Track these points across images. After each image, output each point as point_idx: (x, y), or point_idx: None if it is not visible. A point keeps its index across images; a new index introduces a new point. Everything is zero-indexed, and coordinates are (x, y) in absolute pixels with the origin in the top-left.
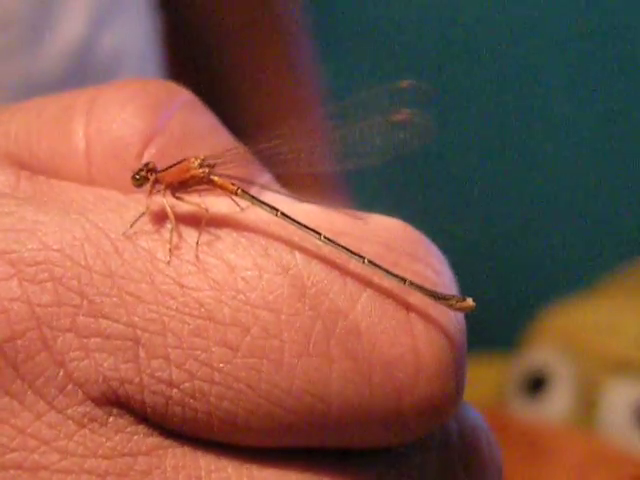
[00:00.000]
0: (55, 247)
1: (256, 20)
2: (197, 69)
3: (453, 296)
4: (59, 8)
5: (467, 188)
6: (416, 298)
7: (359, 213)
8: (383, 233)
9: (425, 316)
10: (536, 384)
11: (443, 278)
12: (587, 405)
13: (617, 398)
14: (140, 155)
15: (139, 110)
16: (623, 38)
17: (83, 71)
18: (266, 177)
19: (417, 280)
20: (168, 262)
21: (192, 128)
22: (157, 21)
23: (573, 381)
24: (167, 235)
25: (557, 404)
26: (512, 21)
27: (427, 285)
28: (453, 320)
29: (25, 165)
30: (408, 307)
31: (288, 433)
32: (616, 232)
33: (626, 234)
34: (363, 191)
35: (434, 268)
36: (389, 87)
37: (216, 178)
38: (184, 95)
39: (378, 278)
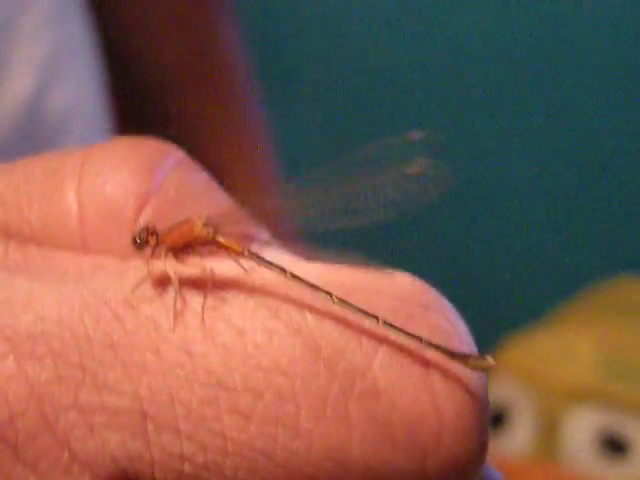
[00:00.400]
0: (53, 319)
1: (202, 69)
2: (144, 121)
3: (471, 355)
4: (2, 68)
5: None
6: (433, 353)
7: (365, 268)
8: (393, 286)
9: (444, 371)
10: (496, 419)
11: (458, 327)
12: (549, 436)
13: (578, 427)
14: (136, 218)
15: (132, 171)
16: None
17: (31, 132)
18: (265, 235)
19: (433, 332)
20: (173, 329)
21: (186, 187)
22: (105, 75)
23: (533, 412)
24: (169, 301)
25: (519, 437)
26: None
27: (443, 338)
28: (474, 374)
29: (13, 231)
30: (426, 362)
31: None
32: (569, 260)
33: (580, 261)
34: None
35: (448, 318)
36: (399, 139)
37: (222, 238)
38: (176, 154)
39: (393, 334)
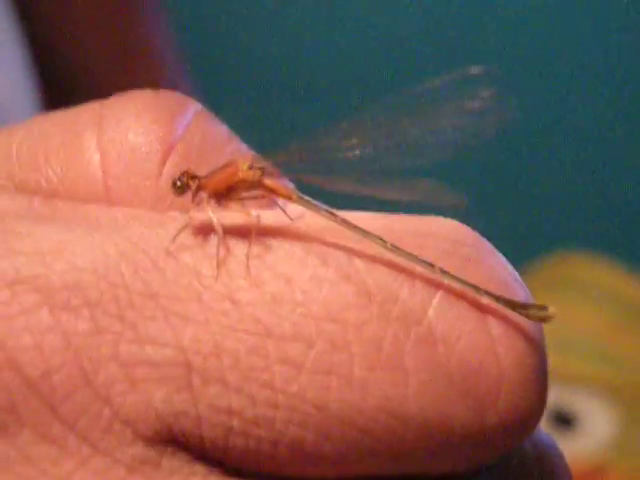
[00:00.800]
0: (87, 268)
1: (127, 60)
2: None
3: (533, 304)
4: None
5: None
6: (492, 302)
7: (413, 216)
8: (444, 231)
9: (502, 317)
10: None
11: (514, 275)
12: None
13: None
14: (162, 165)
15: (155, 119)
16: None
17: None
18: (291, 185)
19: (491, 279)
20: (216, 277)
21: (209, 136)
22: (34, 71)
23: None
24: (212, 249)
25: None
26: None
27: (502, 287)
28: (532, 323)
29: (32, 189)
30: (483, 309)
31: (362, 459)
32: (510, 238)
33: (520, 239)
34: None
35: (504, 266)
36: (457, 74)
37: (269, 181)
38: (196, 105)
39: (450, 281)
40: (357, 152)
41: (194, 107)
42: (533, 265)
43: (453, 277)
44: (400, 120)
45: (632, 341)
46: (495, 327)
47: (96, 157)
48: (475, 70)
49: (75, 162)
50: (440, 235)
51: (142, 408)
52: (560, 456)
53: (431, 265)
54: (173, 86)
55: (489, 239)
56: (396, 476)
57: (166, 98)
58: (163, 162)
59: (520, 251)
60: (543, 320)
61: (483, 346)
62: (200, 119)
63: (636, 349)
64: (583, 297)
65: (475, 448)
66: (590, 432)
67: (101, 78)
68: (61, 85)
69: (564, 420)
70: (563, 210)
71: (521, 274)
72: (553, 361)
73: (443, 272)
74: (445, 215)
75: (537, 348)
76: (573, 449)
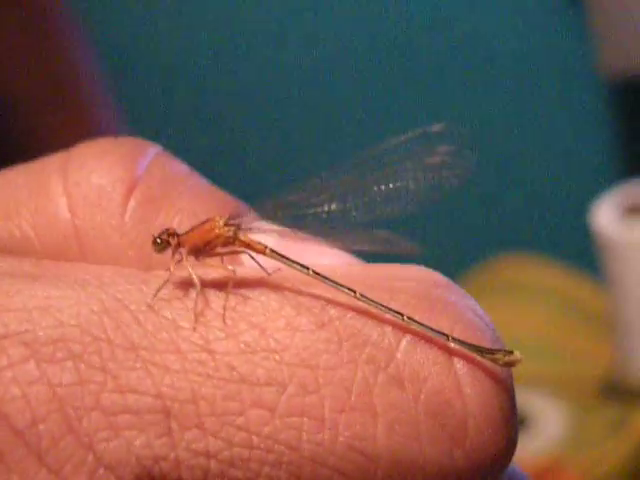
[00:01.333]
0: (72, 323)
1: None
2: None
3: (499, 350)
4: None
5: None
6: (460, 349)
7: (387, 264)
8: (415, 279)
9: (468, 359)
10: None
11: (486, 321)
12: None
13: None
14: (125, 203)
15: (116, 160)
16: None
17: None
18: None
19: (460, 326)
20: (194, 329)
21: (170, 174)
22: None
23: None
24: (191, 303)
25: None
26: None
27: (468, 331)
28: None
29: (6, 240)
30: (449, 350)
31: None
32: (452, 243)
33: (462, 244)
34: None
35: (475, 312)
36: (420, 132)
37: (243, 237)
38: (154, 147)
39: (419, 329)
40: (325, 208)
41: (153, 148)
42: (477, 269)
43: (421, 324)
44: (365, 177)
45: (575, 336)
46: (461, 368)
47: (63, 200)
48: (436, 128)
49: (44, 207)
50: (410, 280)
51: (124, 454)
52: None
53: (400, 314)
54: (102, 119)
55: (432, 246)
56: None
57: (126, 142)
58: (126, 199)
59: (463, 256)
60: (510, 365)
61: (449, 387)
62: (160, 159)
63: (579, 343)
64: (525, 298)
65: None
66: (543, 429)
67: (31, 115)
68: None
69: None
70: (503, 215)
71: (465, 279)
72: None
73: (410, 320)
74: (401, 260)
75: (504, 387)
76: (528, 448)
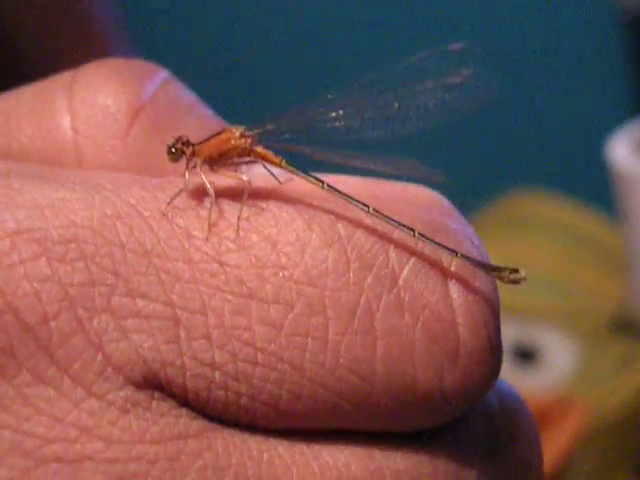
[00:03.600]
0: (85, 224)
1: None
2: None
3: (505, 268)
4: None
5: None
6: (457, 268)
7: (392, 182)
8: (423, 203)
9: (465, 288)
10: None
11: (481, 250)
12: None
13: None
14: (129, 126)
15: (124, 83)
16: None
17: None
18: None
19: (466, 247)
20: (206, 239)
21: (177, 100)
22: None
23: None
24: (204, 212)
25: None
26: None
27: (476, 254)
28: (490, 290)
29: (5, 153)
30: (449, 278)
31: (331, 415)
32: (466, 179)
33: (477, 179)
34: None
35: (472, 240)
36: (439, 50)
37: (259, 149)
38: (163, 72)
39: (421, 246)
40: (342, 123)
41: (162, 74)
42: (489, 205)
43: (430, 240)
44: (384, 94)
45: (588, 272)
46: (457, 298)
47: (66, 118)
48: (455, 47)
49: (46, 123)
50: (418, 203)
51: (132, 355)
52: (521, 403)
53: (411, 229)
54: (108, 42)
55: (446, 180)
56: (362, 430)
57: (135, 65)
58: (130, 123)
59: (476, 191)
60: (515, 282)
61: (445, 316)
62: (168, 85)
63: (590, 278)
64: (537, 233)
65: (435, 407)
66: (552, 364)
67: (44, 56)
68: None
69: (526, 355)
70: (522, 148)
71: (478, 214)
72: (512, 298)
73: (421, 236)
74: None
75: (493, 318)
76: (536, 383)
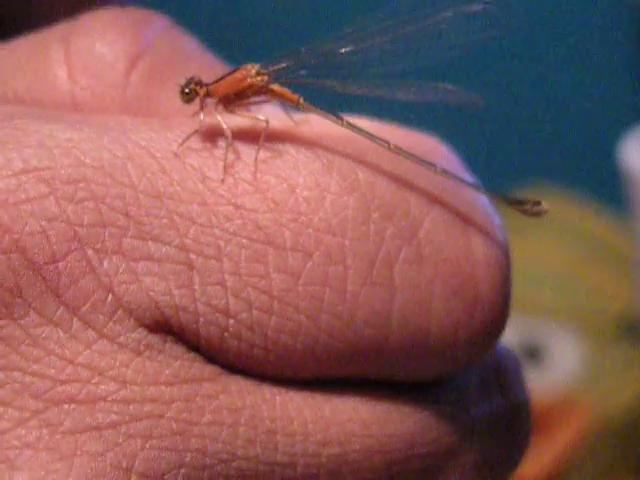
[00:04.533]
0: (95, 165)
1: None
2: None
3: (528, 200)
4: None
5: None
6: (477, 219)
7: (403, 129)
8: (433, 152)
9: (485, 242)
10: None
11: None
12: None
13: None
14: (127, 74)
15: (122, 31)
16: None
17: None
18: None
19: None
20: (222, 180)
21: (178, 48)
22: None
23: None
24: (219, 152)
25: None
26: None
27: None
28: (505, 245)
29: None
30: (470, 231)
31: (344, 366)
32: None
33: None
34: None
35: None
36: None
37: (276, 86)
38: (163, 20)
39: (444, 192)
40: (360, 56)
41: (162, 21)
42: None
43: (455, 176)
44: (402, 25)
45: (597, 272)
46: (477, 252)
47: (63, 68)
48: None
49: (42, 73)
50: (429, 150)
51: (144, 298)
52: (513, 358)
53: (433, 165)
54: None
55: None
56: (370, 379)
57: (133, 13)
58: (129, 72)
59: (491, 186)
60: (538, 214)
61: (464, 271)
62: (168, 32)
63: (598, 278)
64: (549, 232)
65: (446, 359)
66: (558, 363)
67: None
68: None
69: (532, 353)
70: (534, 145)
71: None
72: (522, 295)
73: (444, 172)
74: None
75: (508, 274)
76: (542, 381)
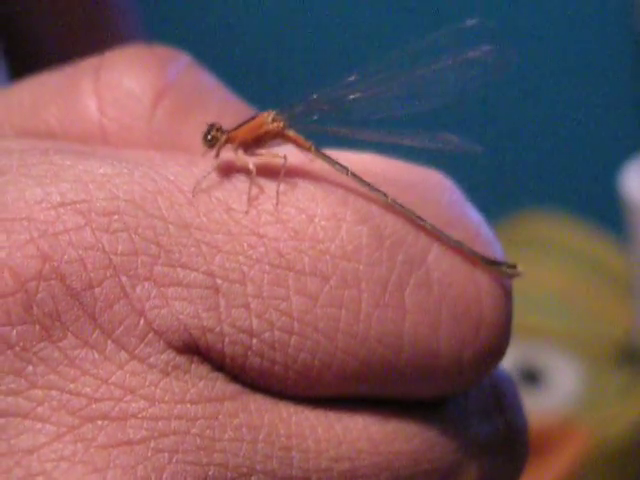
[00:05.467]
0: (127, 198)
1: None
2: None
3: (504, 262)
4: None
5: None
6: (480, 248)
7: (405, 164)
8: (434, 186)
9: (486, 270)
10: None
11: (492, 237)
12: None
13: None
14: (153, 108)
15: (148, 66)
16: None
17: None
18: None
19: (473, 239)
20: (246, 212)
21: (199, 84)
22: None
23: None
24: (242, 186)
25: None
26: None
27: (482, 246)
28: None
29: (32, 135)
30: (473, 261)
31: (357, 384)
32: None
33: (486, 199)
34: None
35: (485, 228)
36: (456, 27)
37: (291, 133)
38: (185, 57)
39: (449, 226)
40: (368, 102)
41: (184, 58)
42: (499, 224)
43: (444, 234)
44: (404, 72)
45: (596, 297)
46: (481, 277)
47: (93, 100)
48: (471, 23)
49: (73, 105)
50: (431, 187)
51: (173, 321)
52: (504, 374)
53: (422, 220)
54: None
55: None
56: (381, 397)
57: (158, 50)
58: (155, 105)
59: (485, 211)
60: (512, 276)
61: (470, 294)
62: (191, 69)
63: (598, 303)
64: (547, 254)
65: (452, 378)
66: (556, 387)
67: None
68: (25, 61)
69: (530, 376)
70: (528, 170)
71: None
72: (522, 318)
73: (433, 228)
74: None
75: (510, 299)
76: (541, 405)
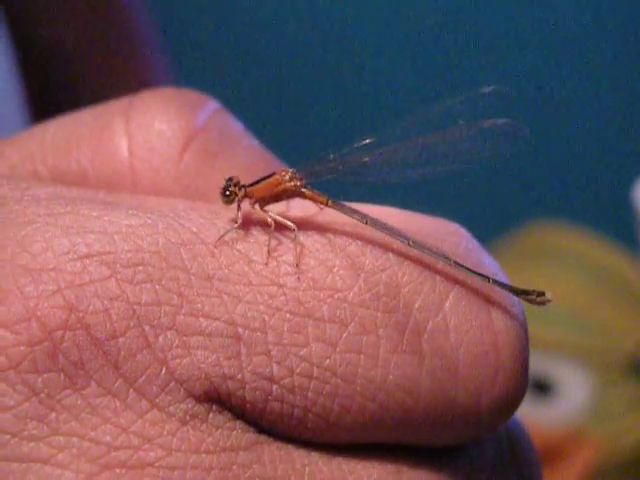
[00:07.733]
0: (151, 249)
1: (101, 32)
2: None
3: (534, 291)
4: None
5: None
6: (496, 295)
7: (421, 215)
8: (450, 235)
9: (505, 314)
10: None
11: (502, 278)
12: None
13: None
14: (183, 151)
15: (178, 110)
16: None
17: None
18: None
19: (486, 287)
20: (266, 264)
21: (226, 130)
22: (14, 57)
23: None
24: (263, 239)
25: None
26: None
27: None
28: (522, 318)
29: (64, 173)
30: (490, 305)
31: (375, 429)
32: (484, 209)
33: (494, 210)
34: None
35: (494, 269)
36: (472, 94)
37: (307, 191)
38: (214, 103)
39: (462, 276)
40: (382, 163)
41: (213, 104)
42: (509, 235)
43: (468, 269)
44: (418, 139)
45: (607, 309)
46: (497, 323)
47: (124, 141)
48: (486, 90)
49: (104, 145)
50: (447, 235)
51: (195, 370)
52: (521, 426)
53: (448, 258)
54: (154, 69)
55: (465, 211)
56: (398, 444)
57: (188, 94)
58: (184, 149)
59: (497, 221)
60: (543, 303)
61: (487, 340)
62: (218, 114)
63: (609, 315)
64: (558, 265)
65: (469, 425)
66: (567, 398)
67: (90, 78)
68: (49, 91)
69: (541, 387)
70: (538, 181)
71: (498, 244)
72: (533, 330)
73: (458, 265)
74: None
75: (527, 344)
76: (551, 416)
